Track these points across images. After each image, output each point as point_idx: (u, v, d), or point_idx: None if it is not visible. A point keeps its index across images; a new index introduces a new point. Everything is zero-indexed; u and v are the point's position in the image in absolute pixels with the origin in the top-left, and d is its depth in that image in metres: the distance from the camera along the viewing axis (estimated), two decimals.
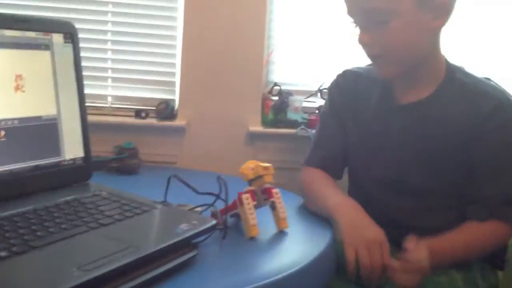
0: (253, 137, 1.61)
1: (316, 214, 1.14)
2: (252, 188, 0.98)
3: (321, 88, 1.63)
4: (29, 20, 0.98)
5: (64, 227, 0.79)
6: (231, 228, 0.97)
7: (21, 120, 0.92)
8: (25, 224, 0.79)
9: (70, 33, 1.03)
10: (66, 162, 1.01)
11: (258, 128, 1.61)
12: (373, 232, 1.01)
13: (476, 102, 1.09)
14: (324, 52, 1.67)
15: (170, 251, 0.78)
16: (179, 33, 1.58)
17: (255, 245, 0.95)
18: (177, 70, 1.60)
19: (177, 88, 1.61)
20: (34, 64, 0.96)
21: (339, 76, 1.28)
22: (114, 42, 1.60)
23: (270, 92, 1.65)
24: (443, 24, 1.07)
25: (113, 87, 1.63)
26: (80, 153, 1.04)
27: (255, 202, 0.97)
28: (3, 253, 0.69)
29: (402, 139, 1.15)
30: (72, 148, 1.02)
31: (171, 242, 0.79)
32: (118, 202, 0.92)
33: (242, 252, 0.93)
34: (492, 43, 1.69)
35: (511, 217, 1.11)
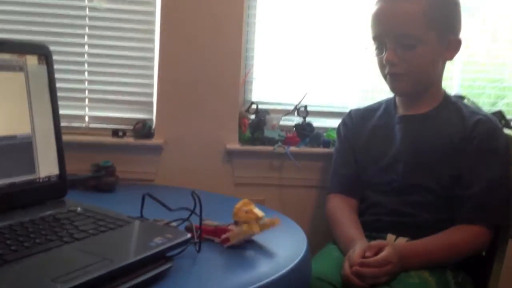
0: (231, 154, 1.62)
1: (287, 227, 1.17)
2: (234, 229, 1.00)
3: (297, 106, 1.66)
4: (3, 42, 1.01)
5: (39, 241, 0.80)
6: (205, 242, 0.98)
7: None
8: None
9: (44, 55, 1.05)
10: (41, 180, 1.02)
11: (235, 145, 1.62)
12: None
13: (465, 118, 1.28)
14: (301, 71, 1.70)
15: (144, 264, 0.80)
16: (156, 54, 1.60)
17: (229, 257, 0.97)
18: (154, 90, 1.62)
19: (154, 108, 1.62)
20: (9, 85, 0.98)
21: (344, 116, 1.49)
22: (90, 63, 1.62)
23: (248, 110, 1.67)
24: (452, 56, 1.31)
25: (90, 108, 1.63)
26: (55, 171, 1.05)
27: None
28: None
29: (403, 144, 1.32)
30: (47, 166, 1.03)
31: (145, 255, 0.80)
32: (93, 218, 0.93)
33: (217, 264, 0.94)
34: None
35: (490, 221, 1.18)
